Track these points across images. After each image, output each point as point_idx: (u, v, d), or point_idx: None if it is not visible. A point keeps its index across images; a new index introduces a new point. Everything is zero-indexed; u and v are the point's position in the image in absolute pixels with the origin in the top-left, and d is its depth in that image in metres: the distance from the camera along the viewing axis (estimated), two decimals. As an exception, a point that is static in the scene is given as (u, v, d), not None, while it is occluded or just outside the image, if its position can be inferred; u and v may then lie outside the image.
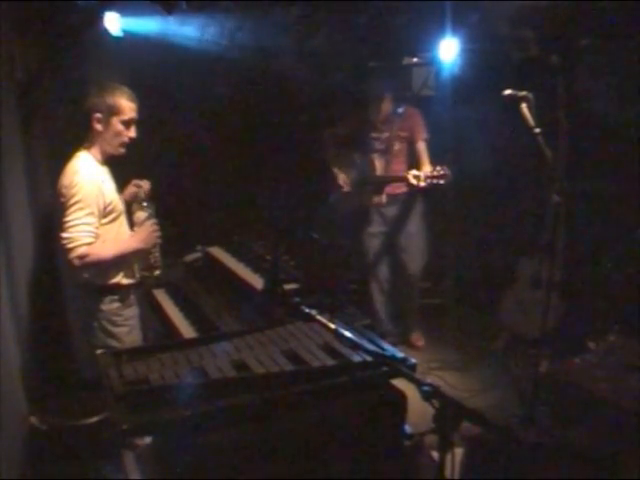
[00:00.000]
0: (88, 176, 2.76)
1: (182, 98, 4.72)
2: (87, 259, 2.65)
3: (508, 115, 3.43)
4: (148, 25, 4.18)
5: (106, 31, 3.92)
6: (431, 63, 4.95)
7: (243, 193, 5.01)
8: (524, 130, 3.33)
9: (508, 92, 3.30)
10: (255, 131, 5.07)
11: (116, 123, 2.86)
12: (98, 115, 2.83)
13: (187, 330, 3.37)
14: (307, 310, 2.04)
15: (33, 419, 2.77)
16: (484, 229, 5.21)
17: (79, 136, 2.89)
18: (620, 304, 4.19)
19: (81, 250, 2.63)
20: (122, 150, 2.94)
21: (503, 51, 4.68)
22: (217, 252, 4.11)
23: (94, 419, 2.70)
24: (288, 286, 3.03)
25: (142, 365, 2.16)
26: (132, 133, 2.93)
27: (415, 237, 4.58)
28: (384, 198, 4.44)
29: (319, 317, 2.01)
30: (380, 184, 4.44)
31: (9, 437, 2.51)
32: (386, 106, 4.39)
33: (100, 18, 3.85)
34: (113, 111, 2.84)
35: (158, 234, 2.96)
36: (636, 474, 2.68)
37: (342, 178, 4.48)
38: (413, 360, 2.18)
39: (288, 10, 4.56)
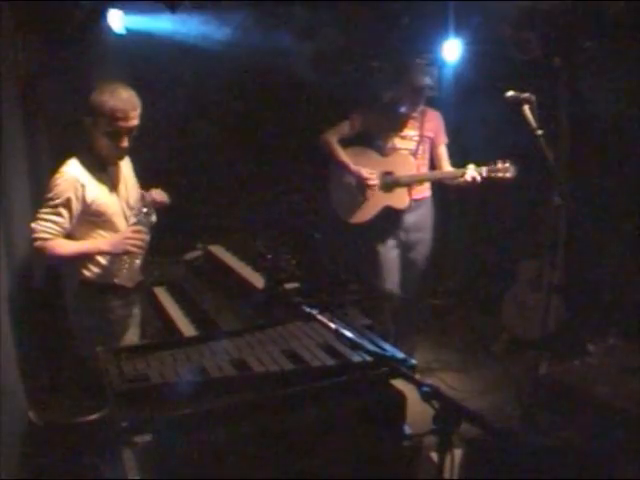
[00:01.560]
0: (67, 178, 2.70)
1: (186, 97, 4.72)
2: (43, 252, 2.67)
3: (510, 116, 3.43)
4: (152, 23, 4.18)
5: (109, 29, 3.92)
6: (434, 64, 4.95)
7: (244, 191, 5.01)
8: (526, 131, 3.34)
9: (510, 94, 3.30)
10: (258, 129, 5.07)
11: (104, 131, 2.69)
12: (87, 119, 2.71)
13: (187, 328, 3.38)
14: (307, 309, 2.04)
15: (31, 414, 2.77)
16: (485, 230, 5.22)
17: (79, 137, 2.86)
18: (620, 306, 4.20)
19: (37, 243, 2.66)
20: (116, 158, 2.83)
21: (506, 52, 4.68)
22: (218, 250, 4.12)
23: (93, 417, 2.71)
24: (289, 285, 3.04)
25: (142, 363, 2.17)
26: (123, 143, 2.73)
27: (427, 245, 4.22)
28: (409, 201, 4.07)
29: (319, 317, 2.02)
30: (409, 185, 4.05)
31: (7, 433, 2.51)
32: (421, 100, 4.00)
33: (103, 16, 3.85)
34: (102, 117, 2.66)
35: (135, 242, 2.74)
36: (635, 476, 2.68)
37: (366, 172, 3.97)
38: (413, 361, 2.18)
39: (292, 9, 4.56)
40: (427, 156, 4.14)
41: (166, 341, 2.53)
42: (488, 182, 3.88)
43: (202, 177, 4.91)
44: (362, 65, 5.10)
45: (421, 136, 4.06)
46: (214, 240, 4.29)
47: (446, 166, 4.14)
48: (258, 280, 3.32)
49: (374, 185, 4.00)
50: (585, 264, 4.46)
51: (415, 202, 4.07)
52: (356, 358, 2.16)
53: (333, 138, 4.07)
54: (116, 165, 2.91)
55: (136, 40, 4.09)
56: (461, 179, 3.93)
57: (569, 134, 4.56)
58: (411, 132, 4.06)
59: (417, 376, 1.87)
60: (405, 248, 4.15)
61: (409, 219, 4.11)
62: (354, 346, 2.08)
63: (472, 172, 3.86)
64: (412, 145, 4.06)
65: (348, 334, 2.04)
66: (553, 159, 3.29)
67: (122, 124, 2.67)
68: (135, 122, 2.72)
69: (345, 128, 4.10)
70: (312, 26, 4.75)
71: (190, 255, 4.29)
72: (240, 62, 4.65)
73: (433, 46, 4.62)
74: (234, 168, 5.02)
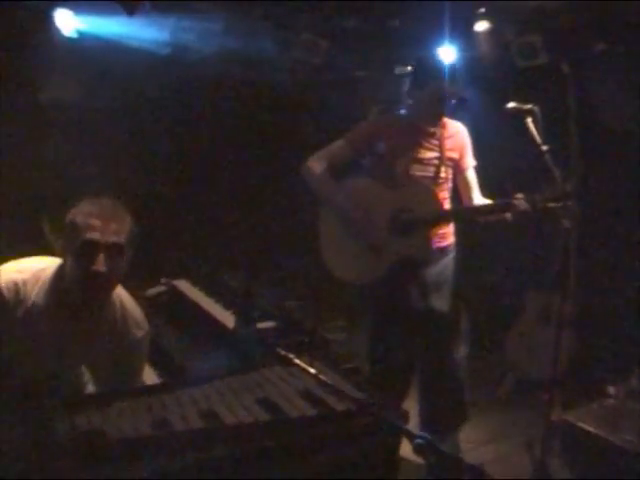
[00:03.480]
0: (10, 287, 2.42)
1: (146, 109, 4.77)
2: None
3: (512, 130, 3.50)
4: (107, 26, 4.21)
5: (58, 31, 3.95)
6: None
7: (213, 219, 5.05)
8: (530, 147, 3.40)
9: (512, 105, 3.35)
10: (226, 148, 5.13)
11: (72, 248, 2.37)
12: (59, 241, 2.43)
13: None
14: (284, 352, 2.05)
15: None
16: (486, 258, 5.26)
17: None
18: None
19: None
20: (87, 283, 2.38)
21: (507, 58, 4.76)
22: (184, 286, 4.11)
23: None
24: (263, 324, 3.05)
25: (97, 415, 2.16)
26: (98, 265, 2.33)
27: (447, 308, 3.63)
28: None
29: (298, 360, 2.03)
30: (433, 227, 3.50)
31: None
32: (444, 111, 3.52)
33: (50, 17, 3.88)
34: (70, 232, 2.38)
35: None
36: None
37: (371, 225, 3.44)
38: (405, 409, 2.19)
39: (267, 13, 4.63)
40: (449, 185, 3.59)
41: (124, 390, 2.52)
42: (545, 215, 3.31)
43: (165, 201, 4.95)
44: (346, 75, 5.18)
45: (442, 158, 3.51)
46: (179, 274, 4.30)
47: (477, 197, 3.64)
48: (229, 319, 3.32)
49: (379, 243, 3.43)
50: (600, 294, 4.51)
51: (439, 251, 3.54)
52: (340, 406, 2.16)
53: (321, 167, 3.48)
54: (90, 315, 2.52)
55: (89, 44, 4.12)
56: (507, 215, 3.37)
57: (580, 149, 4.63)
58: (429, 153, 3.50)
59: (409, 426, 1.89)
60: (419, 314, 3.55)
61: (429, 275, 3.53)
62: (338, 393, 2.09)
63: (523, 204, 3.25)
64: (431, 171, 3.50)
65: (331, 379, 2.05)
66: (561, 177, 3.35)
67: (97, 236, 2.34)
68: (113, 238, 2.37)
69: (339, 151, 3.53)
70: (290, 31, 4.81)
71: (152, 291, 4.28)
72: (208, 72, 4.71)
73: (425, 52, 4.70)
74: (201, 192, 5.07)
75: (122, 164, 4.71)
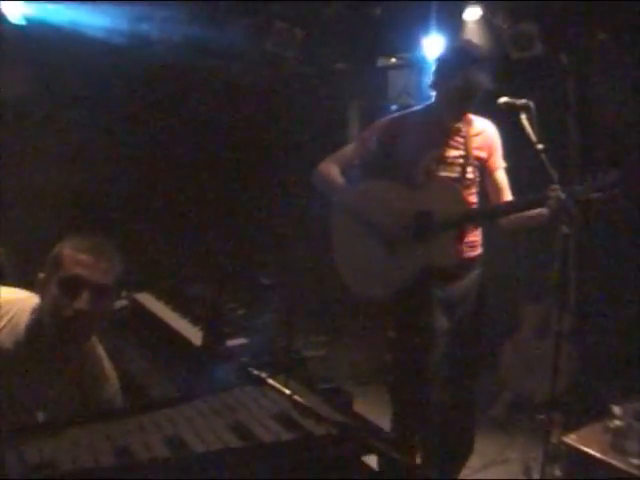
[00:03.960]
0: None
1: (100, 103, 4.74)
2: None
3: (506, 127, 3.53)
4: (58, 13, 4.19)
5: (4, 18, 3.93)
6: (412, 65, 5.06)
7: (179, 226, 5.04)
8: (525, 145, 3.42)
9: (504, 100, 3.37)
10: (191, 149, 5.12)
11: (55, 283, 2.34)
12: (40, 275, 2.41)
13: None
14: (257, 371, 2.05)
15: None
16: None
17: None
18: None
19: None
20: (65, 323, 2.34)
21: (500, 49, 4.79)
22: (146, 299, 4.10)
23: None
24: (234, 341, 3.04)
25: (50, 445, 2.14)
26: (81, 303, 2.31)
27: (476, 326, 3.62)
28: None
29: (272, 380, 2.03)
30: (461, 231, 3.43)
31: None
32: (471, 104, 3.49)
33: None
34: (54, 265, 2.37)
35: None
36: None
37: (391, 215, 3.37)
38: (389, 432, 2.20)
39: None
40: (477, 189, 3.54)
41: (81, 416, 2.50)
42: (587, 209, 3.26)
43: (126, 207, 4.93)
44: (325, 68, 5.20)
45: (467, 157, 3.47)
46: (142, 287, 4.28)
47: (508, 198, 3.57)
48: (196, 335, 3.31)
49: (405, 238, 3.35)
50: (601, 306, 4.55)
51: (468, 262, 3.50)
52: (319, 431, 2.16)
53: (333, 170, 3.47)
54: (61, 361, 2.49)
55: (39, 32, 4.10)
56: (543, 211, 3.25)
57: (579, 147, 4.67)
58: (454, 152, 3.46)
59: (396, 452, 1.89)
60: (442, 333, 3.46)
61: (457, 288, 3.49)
62: (316, 416, 2.09)
63: (563, 196, 3.13)
64: (457, 171, 3.45)
65: (309, 401, 2.05)
66: (558, 178, 3.37)
67: (81, 272, 2.34)
68: (101, 278, 2.37)
69: (351, 153, 3.55)
70: (262, 19, 4.82)
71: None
72: (170, 64, 4.70)
73: (411, 43, 4.74)
74: (164, 196, 5.06)
75: (77, 166, 4.69)
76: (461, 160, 3.46)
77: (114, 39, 4.29)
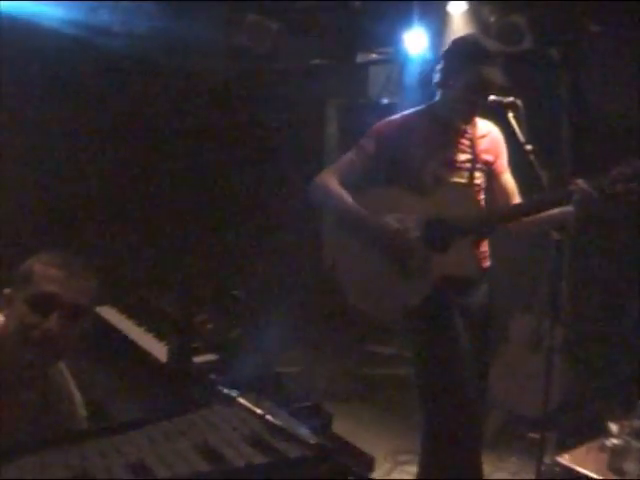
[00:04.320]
0: None
1: (54, 99, 4.71)
2: None
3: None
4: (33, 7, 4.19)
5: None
6: (393, 60, 5.07)
7: (144, 233, 5.01)
8: (513, 145, 3.45)
9: (491, 98, 3.40)
10: (156, 150, 5.10)
11: (22, 300, 2.29)
12: (5, 291, 2.36)
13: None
14: (227, 390, 2.05)
15: None
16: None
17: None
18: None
19: None
20: (31, 345, 2.28)
21: (486, 43, 4.81)
22: (108, 313, 4.08)
23: None
24: (202, 358, 3.03)
25: (2, 471, 2.12)
26: (50, 323, 2.26)
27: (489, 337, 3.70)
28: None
29: (243, 399, 2.02)
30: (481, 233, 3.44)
31: None
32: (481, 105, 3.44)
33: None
34: (22, 281, 2.31)
35: None
36: None
37: (396, 219, 3.33)
38: (370, 454, 2.20)
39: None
40: (483, 193, 3.53)
41: (37, 439, 2.48)
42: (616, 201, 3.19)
43: (86, 211, 4.90)
44: (301, 64, 5.20)
45: (475, 161, 3.45)
46: (103, 300, 4.25)
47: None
48: (162, 351, 3.30)
49: (413, 243, 3.27)
50: (597, 316, 4.57)
51: (482, 273, 3.52)
52: (293, 453, 2.15)
53: (332, 180, 3.39)
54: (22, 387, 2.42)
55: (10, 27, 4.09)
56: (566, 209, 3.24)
57: (572, 147, 4.69)
58: (462, 155, 3.44)
59: (378, 473, 1.89)
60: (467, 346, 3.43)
61: (474, 303, 3.49)
62: (291, 437, 2.09)
63: (589, 189, 3.14)
64: (464, 177, 3.44)
65: (283, 421, 2.04)
66: (549, 180, 3.39)
67: (52, 289, 2.29)
68: (74, 297, 2.34)
69: (350, 161, 3.46)
70: (234, 11, 4.81)
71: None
72: (132, 60, 4.68)
73: (392, 37, 4.75)
74: (128, 201, 5.03)
75: (32, 167, 4.66)
76: (469, 164, 3.43)
77: (70, 31, 4.26)
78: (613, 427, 3.74)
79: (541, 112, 3.56)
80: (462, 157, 3.42)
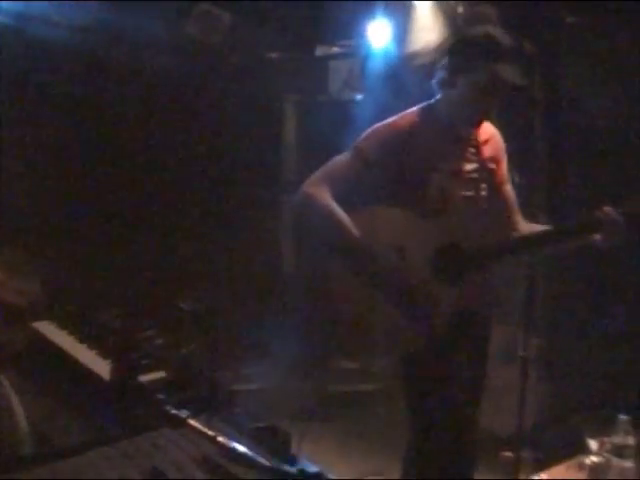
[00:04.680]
0: None
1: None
2: None
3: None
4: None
5: None
6: (356, 54, 5.09)
7: (85, 241, 4.98)
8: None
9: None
10: (98, 150, 5.06)
11: None
12: None
13: None
14: (176, 410, 2.03)
15: None
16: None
17: None
18: (630, 384, 4.35)
19: None
20: None
21: (455, 35, 4.84)
22: (47, 328, 4.03)
23: None
24: (149, 376, 3.01)
25: None
26: None
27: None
28: None
29: (193, 420, 2.01)
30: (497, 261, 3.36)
31: None
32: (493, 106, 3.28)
33: None
34: None
35: None
36: None
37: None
38: (331, 477, 2.19)
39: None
40: (485, 201, 3.37)
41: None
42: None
43: (20, 218, 4.85)
44: (256, 57, 5.20)
45: (481, 170, 3.31)
46: (41, 314, 4.21)
47: (521, 221, 3.49)
48: (104, 368, 3.27)
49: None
50: (573, 326, 4.61)
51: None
52: (248, 477, 2.15)
53: (326, 194, 3.10)
54: None
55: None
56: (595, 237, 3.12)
57: (546, 147, 4.73)
58: (468, 165, 3.28)
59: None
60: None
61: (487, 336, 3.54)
62: (245, 460, 2.08)
63: (618, 218, 3.02)
64: (472, 188, 3.28)
65: (237, 444, 2.03)
66: (521, 185, 3.42)
67: None
68: (13, 297, 2.39)
69: (347, 171, 3.18)
70: (184, 1, 4.80)
71: (5, 337, 4.19)
72: (70, 52, 4.64)
73: (354, 28, 4.77)
74: (65, 205, 4.99)
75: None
76: (475, 175, 3.27)
77: (3, 19, 4.22)
78: (592, 444, 3.78)
79: (513, 109, 3.56)
80: (468, 167, 3.25)
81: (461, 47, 3.22)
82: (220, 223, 5.46)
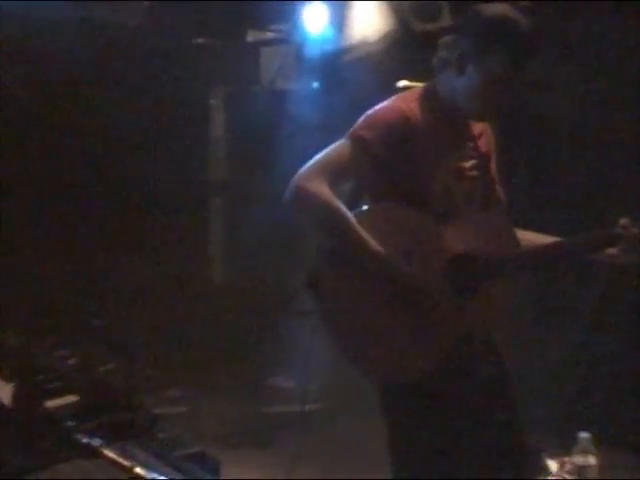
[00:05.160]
0: None
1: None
2: None
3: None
4: None
5: None
6: (290, 40, 5.08)
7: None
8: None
9: (403, 84, 3.43)
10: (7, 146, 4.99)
11: None
12: None
13: None
14: (89, 439, 2.00)
15: None
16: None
17: None
18: (590, 401, 4.41)
19: None
20: None
21: (401, 21, 4.85)
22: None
23: None
24: (57, 401, 2.96)
25: None
26: None
27: None
28: None
29: (108, 450, 1.98)
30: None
31: None
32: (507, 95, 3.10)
33: None
34: None
35: None
36: None
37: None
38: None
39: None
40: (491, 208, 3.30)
41: None
42: None
43: None
44: (180, 42, 5.17)
45: (480, 167, 3.22)
46: None
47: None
48: (7, 394, 3.22)
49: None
50: (530, 341, 4.66)
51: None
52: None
53: (326, 189, 2.93)
54: None
55: None
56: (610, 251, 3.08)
57: (502, 152, 4.75)
58: (469, 162, 3.18)
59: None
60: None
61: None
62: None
63: (636, 233, 2.98)
64: (472, 187, 3.19)
65: (157, 473, 2.01)
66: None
67: None
68: None
69: (348, 162, 3.00)
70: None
71: None
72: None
73: (287, 13, 4.76)
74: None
75: None
76: (475, 172, 3.13)
77: None
78: (552, 465, 3.81)
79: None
80: (469, 163, 3.11)
81: (473, 27, 3.02)
82: (140, 229, 5.38)
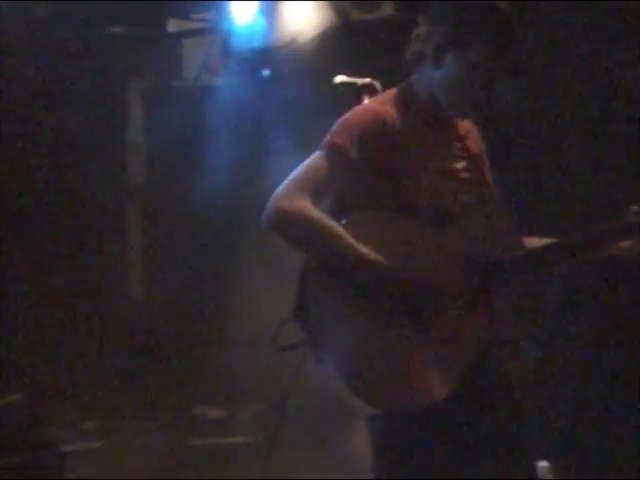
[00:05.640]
0: None
1: None
2: None
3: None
4: None
5: None
6: (215, 30, 5.07)
7: None
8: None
9: (341, 79, 3.43)
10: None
11: None
12: None
13: None
14: None
15: None
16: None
17: None
18: (549, 429, 4.46)
19: None
20: None
21: (338, 11, 4.87)
22: None
23: None
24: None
25: None
26: None
27: None
28: None
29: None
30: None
31: None
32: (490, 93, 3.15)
33: None
34: None
35: None
36: None
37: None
38: None
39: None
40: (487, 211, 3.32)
41: None
42: None
43: None
44: (94, 32, 5.14)
45: (471, 169, 3.24)
46: None
47: None
48: None
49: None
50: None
51: None
52: None
53: (309, 205, 2.89)
54: None
55: None
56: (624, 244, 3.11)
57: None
58: (459, 163, 3.21)
59: None
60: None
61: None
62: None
63: None
64: (462, 190, 3.20)
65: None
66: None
67: None
68: None
69: (326, 174, 2.95)
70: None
71: None
72: None
73: (212, 2, 4.76)
74: None
75: None
76: (466, 174, 3.15)
77: None
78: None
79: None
80: (459, 164, 3.13)
81: (449, 14, 3.03)
82: (50, 237, 5.32)
